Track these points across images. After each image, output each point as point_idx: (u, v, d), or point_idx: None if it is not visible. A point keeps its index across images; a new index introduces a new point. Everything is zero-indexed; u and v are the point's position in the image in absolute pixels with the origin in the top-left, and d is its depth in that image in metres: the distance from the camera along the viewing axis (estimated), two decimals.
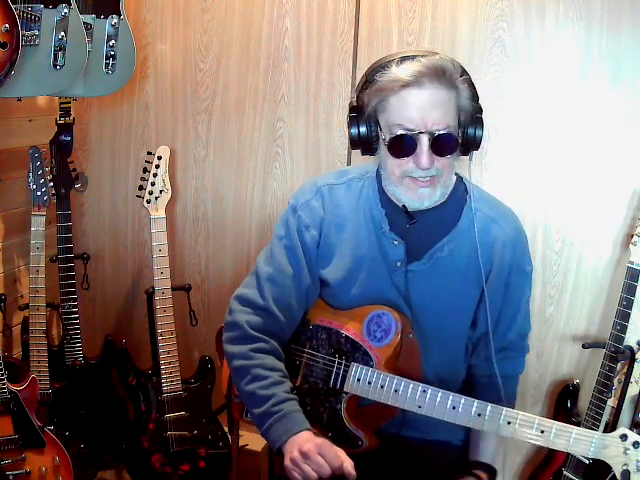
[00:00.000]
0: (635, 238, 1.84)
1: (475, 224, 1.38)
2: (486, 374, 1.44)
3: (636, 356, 1.92)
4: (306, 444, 1.24)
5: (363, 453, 1.37)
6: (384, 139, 1.30)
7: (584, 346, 1.98)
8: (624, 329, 1.84)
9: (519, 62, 1.97)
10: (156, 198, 2.15)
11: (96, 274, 2.51)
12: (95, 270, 2.51)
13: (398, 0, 2.03)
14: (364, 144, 1.36)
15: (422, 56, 1.27)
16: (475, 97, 1.32)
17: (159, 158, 2.15)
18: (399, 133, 1.27)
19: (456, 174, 1.45)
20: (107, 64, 1.96)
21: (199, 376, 2.26)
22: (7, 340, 2.26)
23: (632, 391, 1.96)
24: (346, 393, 1.39)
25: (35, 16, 1.68)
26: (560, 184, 2.00)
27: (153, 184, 2.14)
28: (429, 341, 1.43)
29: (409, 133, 1.26)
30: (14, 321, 2.27)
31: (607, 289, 2.01)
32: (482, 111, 1.34)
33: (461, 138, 1.31)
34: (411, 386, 1.31)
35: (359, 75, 2.09)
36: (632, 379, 1.94)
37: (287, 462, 1.25)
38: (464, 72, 1.30)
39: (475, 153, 1.36)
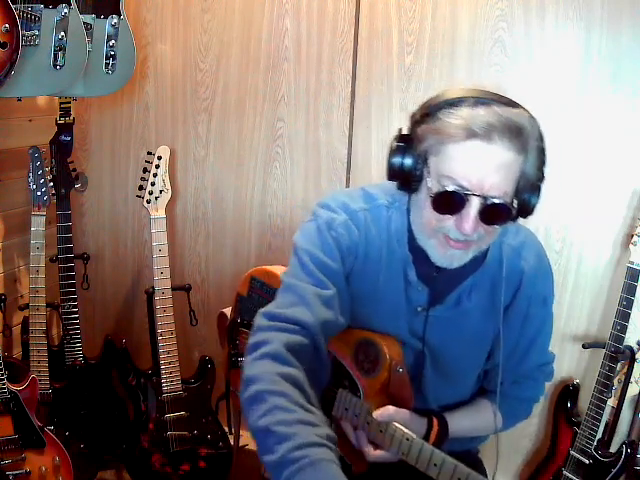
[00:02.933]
0: (635, 238, 1.84)
1: (504, 269, 1.24)
2: (494, 399, 1.39)
3: (636, 356, 1.92)
4: None
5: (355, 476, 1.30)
6: (430, 187, 1.13)
7: (584, 346, 1.98)
8: (624, 329, 1.85)
9: (519, 62, 1.98)
10: (156, 198, 2.15)
11: (96, 274, 2.52)
12: (95, 270, 2.51)
13: (398, 0, 2.03)
14: (404, 179, 1.17)
15: (499, 103, 1.10)
16: (542, 165, 1.16)
17: (159, 158, 2.15)
18: (449, 189, 1.09)
19: None
20: (107, 64, 1.96)
21: (199, 376, 2.26)
22: (7, 340, 2.26)
23: (632, 391, 1.96)
24: (333, 417, 1.32)
25: (35, 16, 1.68)
26: (560, 184, 2.00)
27: (153, 184, 2.14)
28: (444, 377, 1.38)
29: (460, 191, 1.09)
30: (14, 321, 2.27)
31: (607, 289, 2.01)
32: (544, 179, 1.18)
33: (514, 205, 1.14)
34: (396, 432, 1.21)
35: (359, 75, 2.12)
36: (632, 379, 1.94)
37: None
38: (540, 136, 1.15)
39: None
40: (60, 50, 1.75)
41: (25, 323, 2.19)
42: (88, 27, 1.87)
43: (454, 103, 1.10)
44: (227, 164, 2.33)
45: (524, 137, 1.09)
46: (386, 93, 2.10)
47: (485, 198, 1.09)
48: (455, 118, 1.08)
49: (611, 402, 1.95)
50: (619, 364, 1.89)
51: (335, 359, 1.33)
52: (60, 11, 1.72)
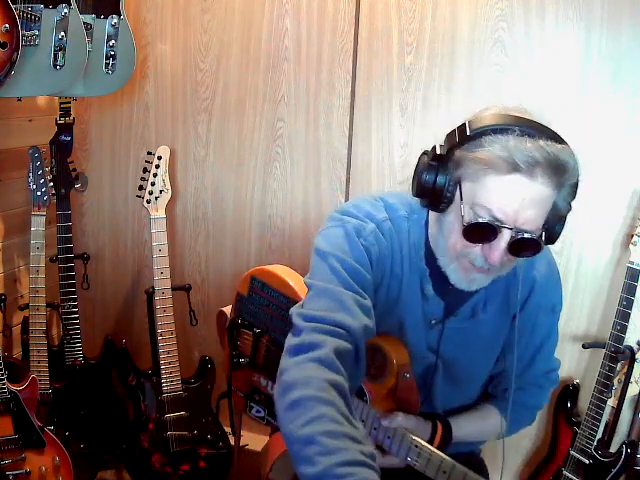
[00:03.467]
0: (635, 238, 1.84)
1: (519, 279, 1.22)
2: (500, 405, 1.40)
3: (636, 356, 1.92)
4: None
5: None
6: (463, 215, 1.09)
7: (584, 346, 1.98)
8: (624, 329, 1.84)
9: (519, 62, 1.97)
10: (156, 198, 2.15)
11: (96, 274, 2.51)
12: (95, 270, 2.51)
13: (398, 0, 2.03)
14: (433, 199, 1.14)
15: (545, 136, 1.07)
16: (573, 198, 1.15)
17: (159, 158, 2.15)
18: (484, 220, 1.07)
19: None
20: (107, 64, 1.96)
21: (199, 376, 2.26)
22: (7, 340, 2.26)
23: (632, 391, 1.96)
24: None
25: (35, 16, 1.68)
26: None
27: (153, 184, 2.14)
28: (454, 384, 1.38)
29: (494, 223, 1.06)
30: (14, 321, 2.27)
31: (607, 289, 2.01)
32: (571, 210, 1.16)
33: (543, 237, 1.12)
34: (404, 438, 1.21)
35: (359, 75, 2.12)
36: (632, 379, 1.94)
37: None
38: (577, 173, 1.13)
39: None
40: (60, 50, 1.75)
41: (25, 323, 2.19)
42: (88, 27, 1.87)
43: (499, 130, 1.06)
44: (227, 164, 2.33)
45: (566, 175, 1.08)
46: (386, 93, 2.10)
47: (517, 231, 1.07)
48: (500, 150, 1.04)
49: (611, 402, 1.95)
50: (619, 364, 1.89)
51: None
52: (60, 11, 1.72)
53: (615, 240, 1.98)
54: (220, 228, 2.38)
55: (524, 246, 1.09)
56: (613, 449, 1.92)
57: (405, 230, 1.24)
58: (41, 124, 2.26)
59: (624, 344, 1.87)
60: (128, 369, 2.26)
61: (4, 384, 1.88)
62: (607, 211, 1.97)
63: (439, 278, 1.22)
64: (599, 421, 1.88)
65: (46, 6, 1.70)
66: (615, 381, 1.93)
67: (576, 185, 1.14)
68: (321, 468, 0.87)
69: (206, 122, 2.31)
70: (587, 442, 1.90)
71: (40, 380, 2.04)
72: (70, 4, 1.74)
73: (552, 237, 1.15)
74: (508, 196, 1.05)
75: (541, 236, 1.11)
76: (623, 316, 1.84)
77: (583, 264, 2.03)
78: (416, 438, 1.21)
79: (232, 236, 2.37)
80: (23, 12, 1.65)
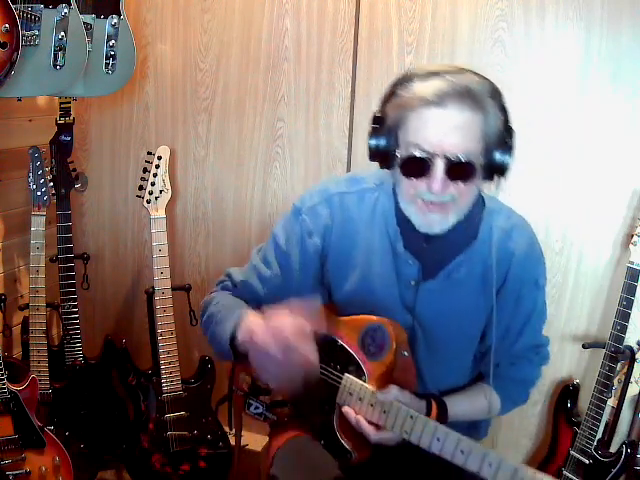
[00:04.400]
0: (635, 238, 1.84)
1: (493, 247, 1.31)
2: (492, 382, 1.40)
3: (636, 356, 1.92)
4: (257, 327, 1.23)
5: (357, 464, 1.34)
6: (398, 156, 1.24)
7: (584, 346, 1.98)
8: (624, 329, 1.85)
9: (519, 62, 1.97)
10: (156, 198, 2.15)
11: (96, 274, 2.52)
12: (95, 270, 2.51)
13: (398, 0, 2.03)
14: (382, 157, 1.28)
15: (450, 73, 1.18)
16: (506, 121, 1.23)
17: (159, 158, 2.15)
18: (413, 154, 1.20)
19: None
20: (107, 64, 1.96)
21: (199, 376, 2.26)
22: (7, 340, 2.26)
23: (632, 391, 1.96)
24: (339, 404, 1.35)
25: (35, 16, 1.68)
26: (560, 184, 2.00)
27: (153, 184, 2.14)
28: (438, 357, 1.40)
29: (424, 155, 1.18)
30: (14, 321, 2.27)
31: (607, 289, 2.01)
32: (513, 136, 1.24)
33: (485, 163, 1.22)
34: (401, 410, 1.25)
35: (359, 75, 2.12)
36: (632, 379, 1.94)
37: (250, 352, 1.23)
38: (496, 94, 1.22)
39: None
40: (60, 50, 1.75)
41: (25, 323, 2.19)
42: (88, 27, 1.87)
43: (409, 79, 1.21)
44: (227, 164, 2.33)
45: (476, 97, 1.17)
46: None
47: (448, 158, 1.17)
48: (410, 90, 1.19)
49: (611, 402, 1.95)
50: (619, 364, 1.89)
51: (342, 347, 1.37)
52: (60, 11, 1.72)
53: (615, 240, 1.98)
54: (220, 228, 2.38)
55: (459, 170, 1.19)
56: (613, 449, 1.92)
57: (371, 200, 1.38)
58: (41, 124, 2.26)
59: (624, 344, 1.87)
60: (128, 369, 2.26)
61: (4, 384, 1.88)
62: (607, 211, 1.97)
63: (412, 236, 1.33)
64: (599, 421, 1.89)
65: (46, 6, 1.70)
66: (615, 381, 1.93)
67: (503, 108, 1.23)
68: (205, 318, 1.48)
69: (206, 122, 2.31)
70: (587, 442, 1.90)
71: (40, 380, 2.04)
72: (70, 4, 1.74)
73: (498, 165, 1.22)
74: (428, 128, 1.18)
75: (480, 161, 1.20)
76: (623, 316, 1.84)
77: (583, 264, 2.03)
78: (411, 410, 1.24)
79: (232, 236, 2.38)
80: (23, 12, 1.65)
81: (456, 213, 1.25)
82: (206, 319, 1.47)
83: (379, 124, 1.27)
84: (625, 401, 1.96)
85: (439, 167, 1.18)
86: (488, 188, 1.33)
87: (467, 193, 1.23)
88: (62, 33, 1.74)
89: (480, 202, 1.36)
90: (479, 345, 1.43)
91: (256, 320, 1.26)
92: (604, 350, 1.88)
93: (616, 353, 1.86)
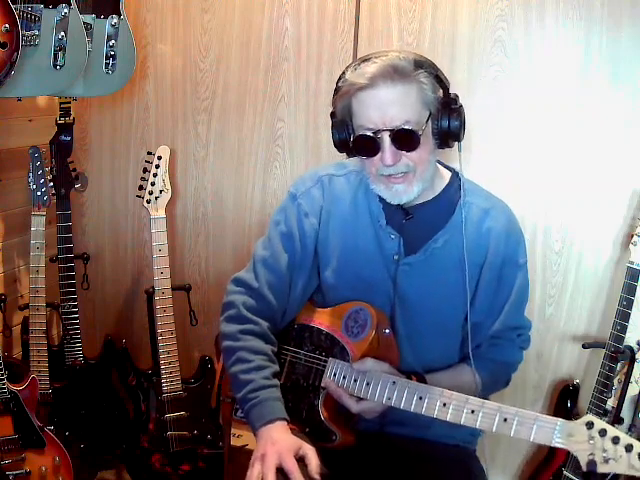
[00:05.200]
0: (635, 238, 1.84)
1: (462, 213, 1.40)
2: (474, 362, 1.44)
3: (636, 356, 1.92)
4: (271, 447, 1.25)
5: (342, 449, 1.39)
6: (352, 140, 1.35)
7: (584, 346, 1.98)
8: (624, 329, 1.84)
9: (519, 62, 1.97)
10: (156, 198, 2.15)
11: (96, 274, 2.51)
12: (95, 270, 2.51)
13: (398, 0, 2.03)
14: (344, 147, 1.39)
15: (377, 57, 1.29)
16: (443, 88, 1.32)
17: (159, 158, 2.15)
18: (361, 134, 1.31)
19: (451, 169, 1.48)
20: (107, 64, 1.96)
21: (199, 376, 2.26)
22: (7, 340, 2.26)
23: (632, 391, 1.96)
24: (324, 388, 1.42)
25: (35, 16, 1.68)
26: (560, 184, 2.00)
27: (153, 184, 2.15)
28: (423, 336, 1.45)
29: (370, 133, 1.29)
30: (14, 321, 2.27)
31: (607, 289, 2.01)
32: (457, 101, 1.33)
33: (435, 130, 1.32)
34: (382, 378, 1.33)
35: None
36: (632, 379, 1.94)
37: (255, 453, 1.29)
38: (422, 65, 1.29)
39: (469, 146, 1.37)
40: (60, 50, 1.75)
41: (25, 323, 2.19)
42: (88, 27, 1.87)
43: (344, 71, 1.34)
44: (227, 164, 2.33)
45: (401, 71, 1.27)
46: None
47: (392, 130, 1.27)
48: (346, 81, 1.31)
49: (611, 402, 1.95)
50: (619, 364, 1.89)
51: (327, 334, 1.47)
52: (60, 11, 1.72)
53: (615, 240, 1.98)
54: (220, 228, 2.38)
55: (403, 137, 1.28)
56: None
57: (356, 182, 1.49)
58: (41, 124, 2.26)
59: (624, 344, 1.87)
60: (128, 369, 2.26)
61: (4, 384, 1.88)
62: (607, 211, 1.97)
63: (392, 212, 1.43)
64: None
65: (46, 6, 1.70)
66: (615, 381, 1.93)
67: (437, 77, 1.31)
68: (241, 395, 1.36)
69: (206, 122, 2.31)
70: None
71: (40, 380, 2.04)
72: (70, 4, 1.74)
73: (448, 131, 1.32)
74: (368, 108, 1.29)
75: (423, 128, 1.29)
76: (623, 316, 1.84)
77: (583, 264, 2.03)
78: (392, 377, 1.33)
79: (232, 236, 2.38)
80: (23, 12, 1.65)
81: (419, 182, 1.35)
82: (233, 363, 1.42)
83: (334, 118, 1.39)
84: (625, 401, 1.95)
85: (386, 141, 1.29)
86: (454, 158, 1.40)
87: (423, 162, 1.33)
88: (62, 33, 1.74)
89: (457, 182, 1.45)
90: (462, 328, 1.46)
91: (279, 446, 1.27)
92: (604, 350, 1.88)
93: (616, 353, 1.86)
